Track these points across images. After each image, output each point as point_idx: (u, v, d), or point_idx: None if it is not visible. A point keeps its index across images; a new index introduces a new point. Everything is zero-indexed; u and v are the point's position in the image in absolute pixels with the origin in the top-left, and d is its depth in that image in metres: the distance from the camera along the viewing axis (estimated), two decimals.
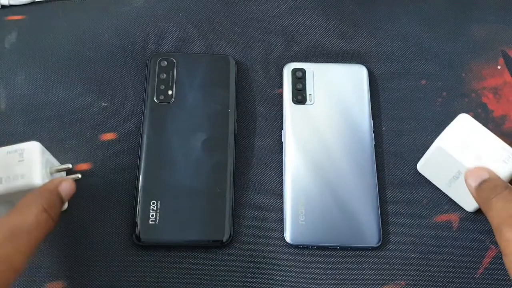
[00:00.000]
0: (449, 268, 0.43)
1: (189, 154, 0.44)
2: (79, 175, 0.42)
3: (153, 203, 0.42)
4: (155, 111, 0.45)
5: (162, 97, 0.45)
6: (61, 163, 0.43)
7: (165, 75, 0.46)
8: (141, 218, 0.42)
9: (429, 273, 0.43)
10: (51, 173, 0.41)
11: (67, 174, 0.44)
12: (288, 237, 0.43)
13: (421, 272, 0.43)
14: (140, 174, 0.44)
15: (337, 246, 0.43)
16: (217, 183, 0.43)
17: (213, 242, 0.43)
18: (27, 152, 0.39)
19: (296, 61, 0.50)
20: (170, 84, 0.45)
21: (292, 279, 0.43)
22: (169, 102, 0.45)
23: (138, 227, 0.42)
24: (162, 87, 0.45)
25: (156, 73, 0.46)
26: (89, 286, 0.42)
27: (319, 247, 0.44)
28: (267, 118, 0.48)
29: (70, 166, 0.42)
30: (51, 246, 0.43)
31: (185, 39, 0.51)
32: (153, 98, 0.45)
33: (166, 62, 0.46)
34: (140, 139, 0.45)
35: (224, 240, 0.43)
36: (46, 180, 0.40)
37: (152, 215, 0.42)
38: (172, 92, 0.45)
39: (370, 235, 0.43)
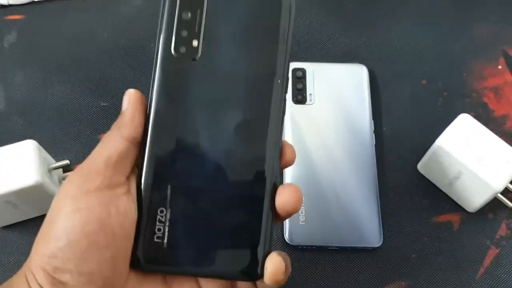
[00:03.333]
0: (450, 269, 0.43)
1: (219, 140, 0.30)
2: None
3: (161, 211, 0.30)
4: (172, 70, 0.30)
5: (183, 49, 0.30)
6: None
7: (189, 14, 0.30)
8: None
9: (429, 274, 0.43)
10: (49, 171, 0.41)
11: (64, 171, 0.44)
12: (288, 238, 0.43)
13: (422, 272, 0.43)
14: (143, 168, 0.30)
15: (337, 247, 0.43)
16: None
17: None
18: (24, 151, 0.39)
19: (296, 61, 0.50)
20: (197, 30, 0.30)
21: (292, 280, 0.43)
22: (194, 59, 0.30)
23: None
24: (185, 33, 0.30)
25: (176, 11, 0.30)
26: None
27: (319, 248, 0.43)
28: None
29: (67, 162, 0.42)
30: None
31: None
32: (170, 49, 0.30)
33: None
34: (148, 112, 0.30)
35: None
36: (45, 178, 0.40)
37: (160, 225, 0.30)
38: (198, 43, 0.30)
39: (370, 235, 0.43)
